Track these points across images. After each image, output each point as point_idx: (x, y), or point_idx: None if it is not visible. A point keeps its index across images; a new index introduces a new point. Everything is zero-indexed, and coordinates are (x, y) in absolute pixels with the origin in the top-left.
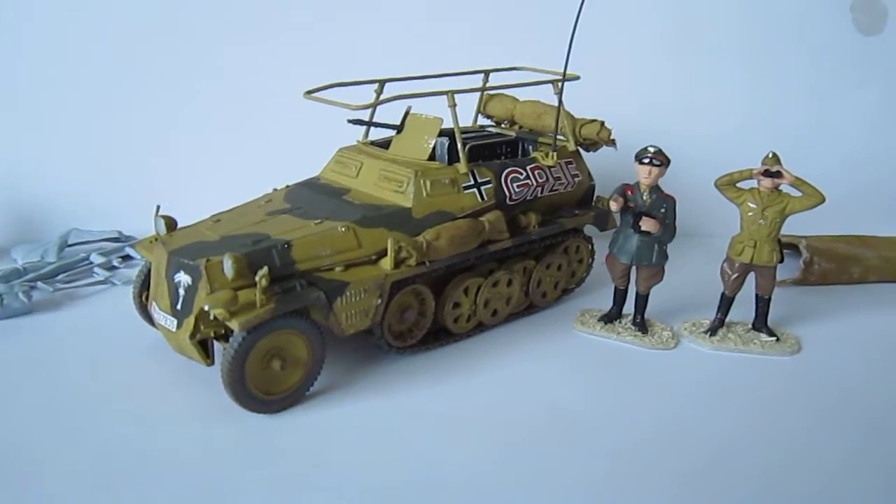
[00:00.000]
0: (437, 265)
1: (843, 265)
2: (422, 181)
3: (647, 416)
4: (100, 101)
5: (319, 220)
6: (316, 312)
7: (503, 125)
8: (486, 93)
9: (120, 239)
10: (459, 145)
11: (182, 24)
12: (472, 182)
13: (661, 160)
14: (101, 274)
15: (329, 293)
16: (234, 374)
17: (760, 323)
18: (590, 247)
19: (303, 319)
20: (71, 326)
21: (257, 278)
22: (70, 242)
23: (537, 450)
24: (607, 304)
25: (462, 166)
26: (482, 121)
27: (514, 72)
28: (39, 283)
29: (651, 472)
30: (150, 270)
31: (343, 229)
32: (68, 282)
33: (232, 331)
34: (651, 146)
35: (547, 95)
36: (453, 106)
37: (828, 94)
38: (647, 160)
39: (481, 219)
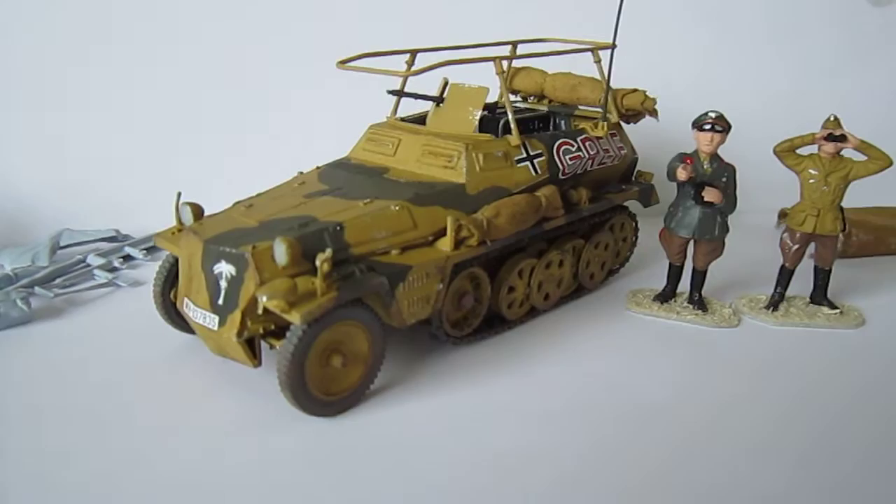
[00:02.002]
0: (496, 245)
1: (881, 236)
2: (474, 155)
3: (728, 397)
4: (86, 87)
5: (368, 200)
6: (375, 301)
7: (530, 100)
8: (512, 66)
9: (117, 238)
10: (510, 115)
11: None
12: (525, 155)
13: (723, 126)
14: (102, 276)
15: (391, 278)
16: (294, 373)
17: (820, 296)
18: (634, 224)
19: (364, 309)
20: (79, 334)
21: (318, 263)
22: (62, 244)
23: (615, 438)
24: (652, 283)
25: (514, 138)
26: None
27: (541, 43)
28: (37, 289)
29: (740, 452)
30: (172, 265)
31: (396, 208)
32: (66, 286)
33: (284, 327)
34: (711, 111)
35: (579, 67)
36: (501, 73)
37: (852, 67)
38: (708, 126)
39: (537, 194)
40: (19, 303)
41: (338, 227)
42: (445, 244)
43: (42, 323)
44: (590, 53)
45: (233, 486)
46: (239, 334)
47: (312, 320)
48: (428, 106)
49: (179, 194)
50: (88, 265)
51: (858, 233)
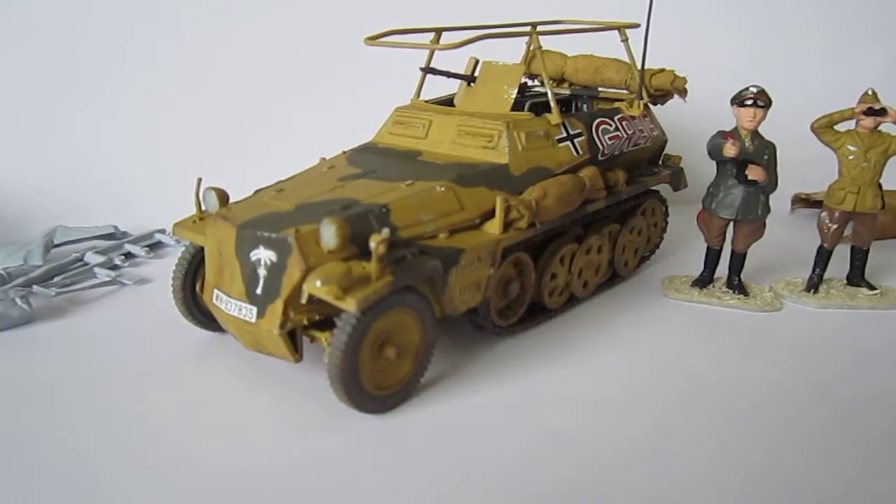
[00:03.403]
0: (544, 228)
1: None
2: (515, 133)
3: (781, 380)
4: (79, 78)
5: (410, 182)
6: (426, 287)
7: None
8: (530, 49)
9: (116, 235)
10: (549, 92)
11: None
12: (565, 134)
13: (764, 101)
14: (104, 274)
15: (444, 262)
16: (347, 366)
17: (858, 276)
18: (664, 208)
19: (416, 296)
20: (85, 334)
21: (373, 245)
22: (56, 242)
23: (673, 423)
24: (683, 269)
25: (554, 116)
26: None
27: (558, 25)
28: (36, 288)
29: (796, 432)
30: (193, 256)
31: (442, 189)
32: (66, 285)
33: (328, 317)
34: (752, 86)
35: (598, 49)
36: (539, 48)
37: (883, 40)
38: (750, 102)
39: (580, 174)
40: (19, 301)
41: (383, 210)
42: (494, 226)
43: (44, 323)
44: (611, 37)
45: (277, 491)
46: (282, 326)
47: (367, 307)
48: (452, 88)
49: (200, 180)
50: (87, 263)
51: (879, 214)
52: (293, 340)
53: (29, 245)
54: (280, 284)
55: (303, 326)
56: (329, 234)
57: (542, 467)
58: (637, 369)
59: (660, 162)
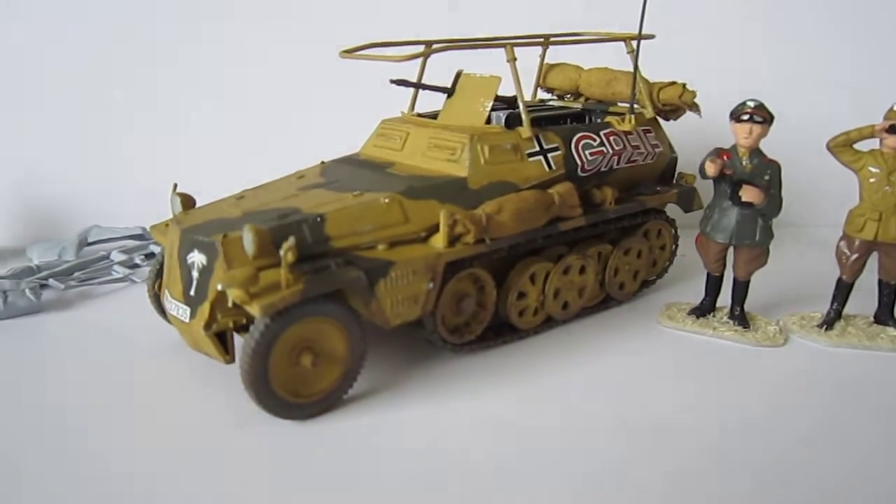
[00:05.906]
0: (498, 244)
1: None
2: (479, 146)
3: (766, 426)
4: (117, 86)
5: (358, 193)
6: (355, 298)
7: (566, 98)
8: (545, 63)
9: (145, 236)
10: (521, 105)
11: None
12: (538, 148)
13: (763, 116)
14: (119, 272)
15: (370, 274)
16: (256, 370)
17: (885, 314)
18: (673, 231)
19: (340, 306)
20: (83, 326)
21: (282, 252)
22: (90, 240)
23: (633, 466)
24: (695, 296)
25: (525, 130)
26: (542, 94)
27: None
28: (51, 281)
29: (781, 495)
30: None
31: (386, 201)
32: (83, 280)
33: (253, 320)
34: (750, 100)
35: (614, 61)
36: (513, 60)
37: None
38: (746, 117)
39: (550, 191)
40: (28, 293)
41: (318, 219)
42: (439, 241)
43: (50, 314)
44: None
45: (184, 484)
46: (207, 326)
47: (275, 313)
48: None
49: (175, 185)
50: (111, 261)
51: None
52: (223, 342)
53: (65, 242)
54: (208, 287)
55: (231, 328)
56: (248, 241)
57: (449, 493)
58: (587, 398)
59: (674, 181)
